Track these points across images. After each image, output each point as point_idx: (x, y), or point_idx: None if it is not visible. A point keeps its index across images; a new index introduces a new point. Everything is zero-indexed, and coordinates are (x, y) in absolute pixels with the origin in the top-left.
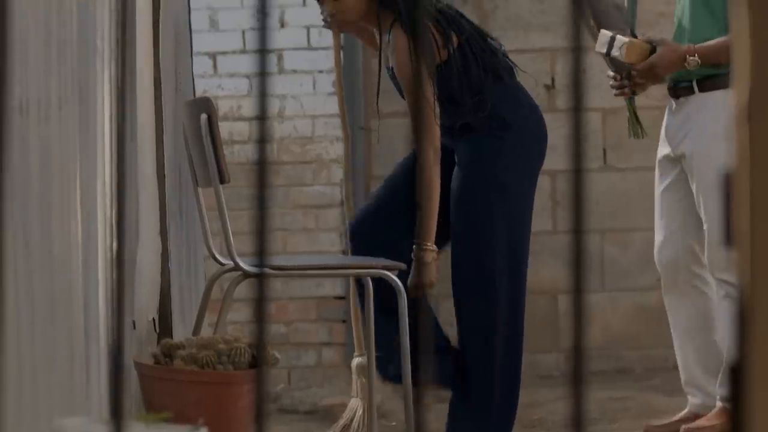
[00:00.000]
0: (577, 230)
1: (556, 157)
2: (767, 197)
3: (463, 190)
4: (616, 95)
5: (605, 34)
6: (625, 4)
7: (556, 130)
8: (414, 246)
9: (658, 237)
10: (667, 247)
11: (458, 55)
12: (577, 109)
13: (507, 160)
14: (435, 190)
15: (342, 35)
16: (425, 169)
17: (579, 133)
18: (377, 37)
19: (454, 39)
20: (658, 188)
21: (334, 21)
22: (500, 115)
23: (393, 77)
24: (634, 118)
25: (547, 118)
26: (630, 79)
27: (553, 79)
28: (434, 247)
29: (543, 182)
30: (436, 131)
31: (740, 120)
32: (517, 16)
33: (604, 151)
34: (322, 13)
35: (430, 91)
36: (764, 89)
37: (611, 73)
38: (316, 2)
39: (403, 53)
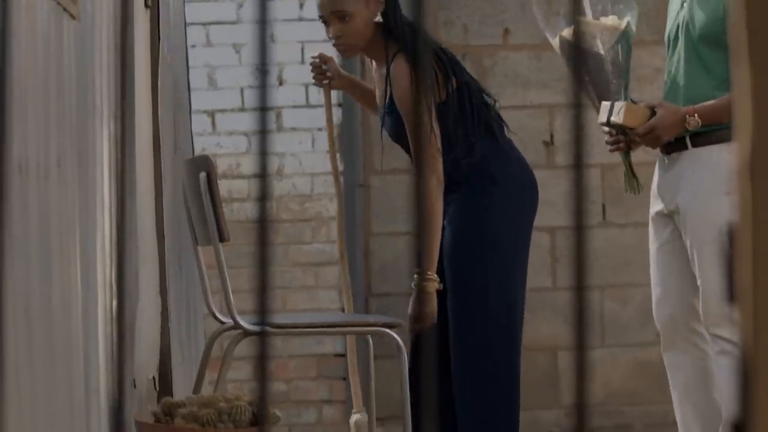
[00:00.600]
0: (579, 287)
1: (555, 214)
2: None
3: (454, 248)
4: (611, 150)
5: (606, 103)
6: (619, 59)
7: (555, 186)
8: (415, 276)
9: (656, 294)
10: (664, 304)
11: (456, 97)
12: (578, 165)
13: (496, 216)
14: (437, 219)
15: (339, 93)
16: (428, 196)
17: (580, 189)
18: (375, 69)
19: (453, 80)
20: (653, 245)
21: (339, 44)
22: (489, 169)
23: (390, 111)
24: (631, 173)
25: (546, 174)
26: (625, 134)
27: (551, 136)
28: (436, 277)
29: (542, 239)
30: (439, 160)
31: (742, 176)
32: (516, 73)
33: (604, 206)
34: (328, 33)
35: (431, 120)
36: (766, 145)
37: (606, 128)
38: (322, 24)
39: (405, 80)
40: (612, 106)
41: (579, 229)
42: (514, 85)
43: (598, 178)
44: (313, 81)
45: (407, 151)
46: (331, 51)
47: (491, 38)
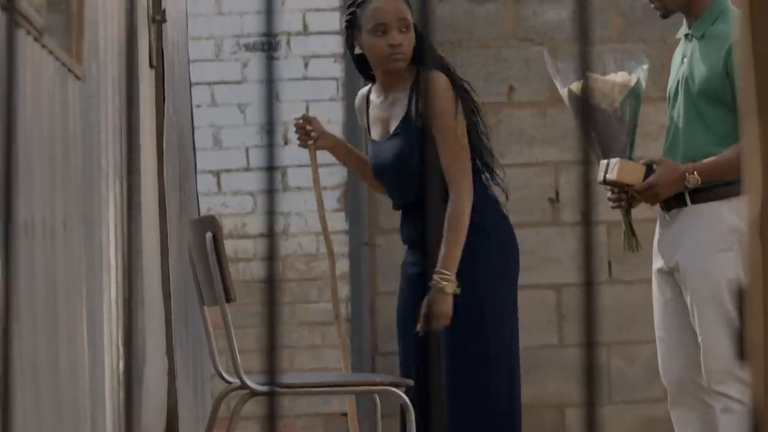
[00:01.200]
0: (589, 343)
1: (561, 271)
2: None
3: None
4: (612, 208)
5: (602, 163)
6: (627, 117)
7: (561, 243)
8: (435, 275)
9: (662, 351)
10: (670, 360)
11: (473, 122)
12: (587, 222)
13: (492, 274)
14: (465, 227)
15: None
16: (460, 203)
17: (589, 245)
18: (380, 102)
19: (472, 107)
20: (657, 302)
21: (397, 53)
22: (483, 223)
23: (405, 129)
24: (630, 232)
25: (552, 231)
26: (627, 193)
27: (557, 193)
28: (455, 279)
29: (548, 296)
30: (470, 172)
31: (752, 234)
32: (521, 131)
33: (609, 263)
34: (387, 40)
35: (464, 133)
36: None
37: (608, 187)
38: (379, 33)
39: (447, 91)
40: (608, 164)
41: (588, 285)
42: (519, 143)
43: (604, 235)
44: (298, 143)
45: (410, 173)
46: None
47: (496, 95)
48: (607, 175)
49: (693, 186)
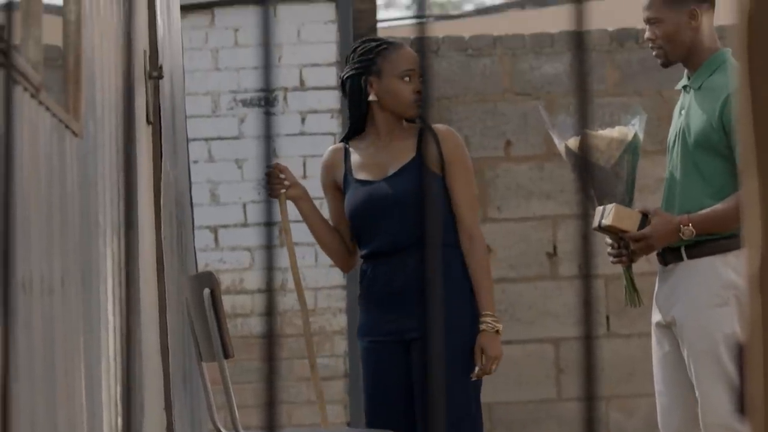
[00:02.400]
0: (589, 397)
1: (559, 325)
2: None
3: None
4: (613, 263)
5: (598, 209)
6: (624, 172)
7: (558, 297)
8: (487, 318)
9: (661, 404)
10: (670, 414)
11: None
12: (586, 276)
13: (474, 327)
14: (490, 270)
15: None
16: (481, 244)
17: (588, 299)
18: (369, 144)
19: None
20: (656, 355)
21: (418, 99)
22: (465, 275)
23: (414, 168)
24: (631, 287)
25: (550, 285)
26: (627, 248)
27: (555, 247)
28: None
29: (546, 350)
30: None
31: (752, 288)
32: (518, 185)
33: (608, 317)
34: (410, 88)
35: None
36: None
37: (609, 241)
38: (406, 78)
39: (461, 141)
40: (603, 211)
41: (587, 339)
42: (516, 197)
43: (602, 288)
44: (268, 192)
45: (409, 213)
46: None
47: (493, 150)
48: (603, 221)
49: (688, 238)
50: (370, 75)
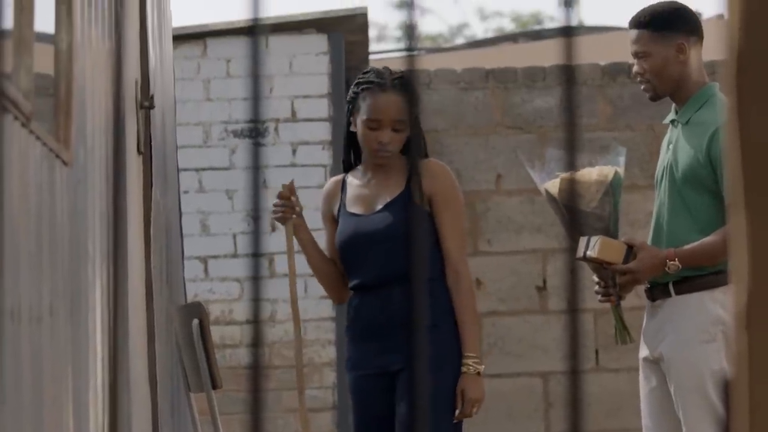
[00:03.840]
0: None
1: (548, 359)
2: (767, 405)
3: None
4: (601, 301)
5: (583, 238)
6: (606, 213)
7: (548, 332)
8: (469, 360)
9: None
10: None
11: None
12: (573, 310)
13: (457, 364)
14: (476, 311)
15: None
16: (468, 281)
17: (575, 334)
18: (358, 179)
19: None
20: (643, 390)
21: (385, 151)
22: (451, 312)
23: (405, 204)
24: (621, 324)
25: (539, 319)
26: (615, 285)
27: (544, 281)
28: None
29: (535, 384)
30: None
31: (739, 326)
32: (509, 218)
33: (597, 351)
34: (378, 137)
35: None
36: (763, 295)
37: (596, 278)
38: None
39: (450, 175)
40: (588, 241)
41: (574, 373)
42: (507, 231)
43: (591, 323)
44: (276, 217)
45: (397, 246)
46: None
47: (484, 183)
48: (588, 252)
49: (674, 272)
50: (353, 110)
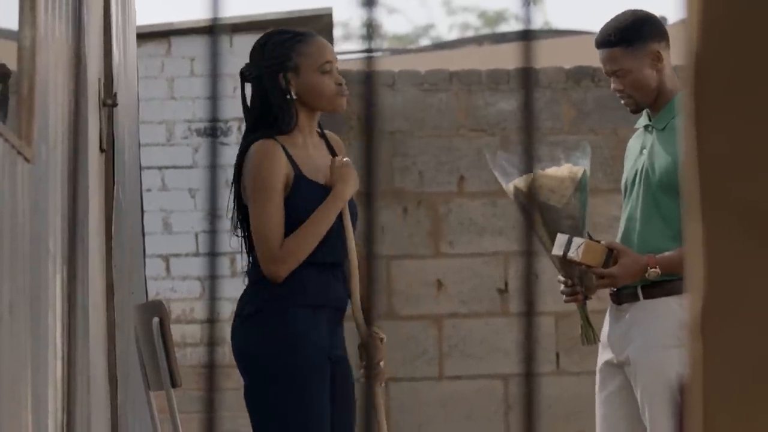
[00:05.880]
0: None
1: (508, 362)
2: (720, 410)
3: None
4: (566, 301)
5: (562, 236)
6: (576, 211)
7: (509, 334)
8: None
9: None
10: None
11: None
12: (529, 313)
13: None
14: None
15: None
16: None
17: (531, 337)
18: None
19: None
20: (600, 395)
21: (347, 92)
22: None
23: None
24: (587, 324)
25: (501, 322)
26: (582, 284)
27: (506, 283)
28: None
29: (495, 386)
30: None
31: (694, 332)
32: (471, 221)
33: (557, 355)
34: (338, 82)
35: None
36: (718, 302)
37: (561, 278)
38: None
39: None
40: (570, 241)
41: (529, 376)
42: (468, 233)
43: (552, 326)
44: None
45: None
46: None
47: (447, 185)
48: (570, 254)
49: (653, 279)
50: (287, 72)
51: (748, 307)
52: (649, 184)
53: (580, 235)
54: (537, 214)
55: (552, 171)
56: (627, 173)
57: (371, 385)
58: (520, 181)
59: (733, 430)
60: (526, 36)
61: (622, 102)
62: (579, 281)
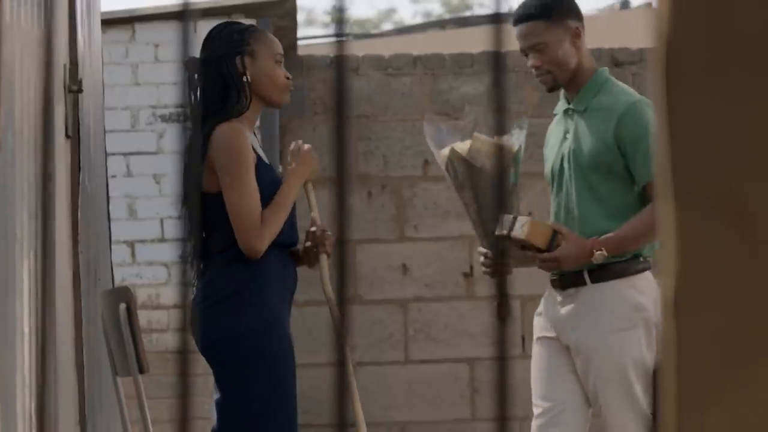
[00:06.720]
0: (502, 417)
1: (474, 345)
2: (693, 391)
3: None
4: (484, 273)
5: (507, 217)
6: (512, 183)
7: (475, 317)
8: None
9: (541, 410)
10: (566, 423)
11: None
12: (502, 297)
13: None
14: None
15: None
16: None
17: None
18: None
19: None
20: (540, 362)
21: (292, 87)
22: None
23: None
24: (506, 299)
25: (466, 305)
26: (504, 258)
27: (471, 267)
28: None
29: (461, 370)
30: None
31: (666, 314)
32: (436, 204)
33: (523, 338)
34: (287, 76)
35: None
36: (690, 284)
37: (482, 250)
38: None
39: None
40: (514, 220)
41: (501, 359)
42: (433, 216)
43: (518, 309)
44: (307, 259)
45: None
46: None
47: (411, 169)
48: (513, 232)
49: (600, 261)
50: (245, 55)
51: (720, 288)
52: (579, 166)
53: (511, 210)
54: (468, 186)
55: (496, 139)
56: (552, 160)
57: (345, 368)
58: (460, 145)
59: (707, 410)
60: (496, 19)
61: (538, 79)
62: (502, 254)
